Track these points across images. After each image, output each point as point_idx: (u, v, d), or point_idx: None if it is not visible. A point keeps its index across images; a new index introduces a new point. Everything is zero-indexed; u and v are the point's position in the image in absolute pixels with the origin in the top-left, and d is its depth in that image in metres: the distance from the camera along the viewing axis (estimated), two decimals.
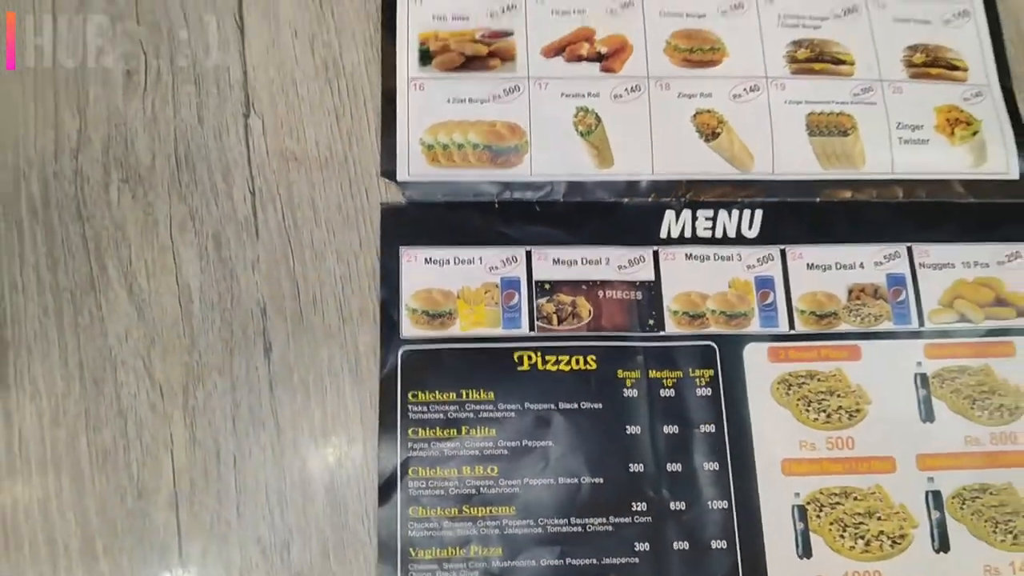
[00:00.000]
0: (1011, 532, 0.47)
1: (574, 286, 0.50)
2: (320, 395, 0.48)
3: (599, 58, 0.54)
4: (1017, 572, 0.47)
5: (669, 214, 0.52)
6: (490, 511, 0.46)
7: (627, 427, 0.48)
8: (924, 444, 0.49)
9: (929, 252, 0.52)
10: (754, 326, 0.50)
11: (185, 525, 0.46)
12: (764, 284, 0.51)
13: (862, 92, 0.55)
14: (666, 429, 0.48)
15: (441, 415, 0.47)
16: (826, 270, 0.52)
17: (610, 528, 0.46)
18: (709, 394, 0.49)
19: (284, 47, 0.54)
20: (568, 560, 0.46)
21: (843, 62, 0.55)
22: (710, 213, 0.52)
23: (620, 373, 0.49)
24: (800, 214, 0.52)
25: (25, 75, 0.52)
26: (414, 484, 0.46)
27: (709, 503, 0.47)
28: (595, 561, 0.46)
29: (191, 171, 0.51)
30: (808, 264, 0.52)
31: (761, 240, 0.52)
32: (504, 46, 0.53)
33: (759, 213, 0.52)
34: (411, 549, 0.45)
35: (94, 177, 0.50)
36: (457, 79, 0.53)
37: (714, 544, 0.46)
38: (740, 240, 0.52)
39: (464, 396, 0.48)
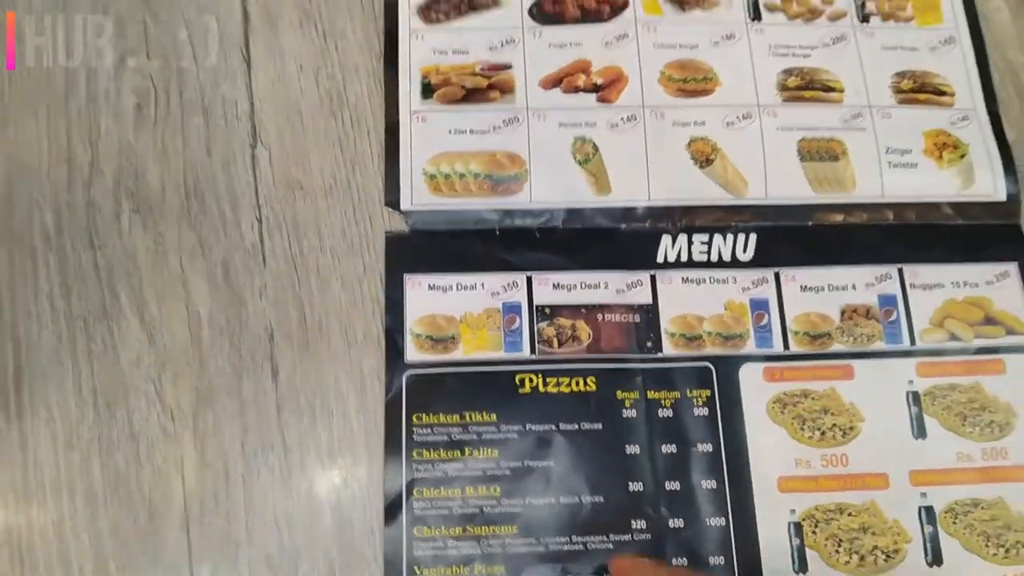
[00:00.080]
0: (1003, 546, 0.48)
1: (574, 310, 0.51)
2: (327, 418, 0.49)
3: (596, 89, 0.55)
4: None
5: (666, 239, 0.53)
6: (493, 530, 0.47)
7: (626, 447, 0.49)
8: (917, 460, 0.49)
9: (919, 273, 0.53)
10: (749, 347, 0.51)
11: (195, 545, 0.46)
12: (759, 306, 0.52)
13: (852, 118, 0.56)
14: (664, 448, 0.49)
15: (445, 437, 0.48)
16: (819, 292, 0.52)
17: (611, 546, 0.47)
18: (706, 414, 0.49)
19: (290, 80, 0.55)
20: None
21: (833, 89, 0.56)
22: (705, 238, 0.53)
23: (619, 394, 0.50)
24: (793, 237, 0.53)
25: (39, 109, 0.53)
26: (419, 504, 0.47)
27: (707, 520, 0.48)
28: None
29: (200, 201, 0.52)
30: (801, 286, 0.53)
31: (755, 263, 0.53)
32: (503, 79, 0.55)
33: (753, 237, 0.53)
34: (416, 568, 0.46)
35: (106, 207, 0.52)
36: (458, 111, 0.54)
37: (712, 560, 0.47)
38: (735, 263, 0.53)
39: (467, 418, 0.49)
